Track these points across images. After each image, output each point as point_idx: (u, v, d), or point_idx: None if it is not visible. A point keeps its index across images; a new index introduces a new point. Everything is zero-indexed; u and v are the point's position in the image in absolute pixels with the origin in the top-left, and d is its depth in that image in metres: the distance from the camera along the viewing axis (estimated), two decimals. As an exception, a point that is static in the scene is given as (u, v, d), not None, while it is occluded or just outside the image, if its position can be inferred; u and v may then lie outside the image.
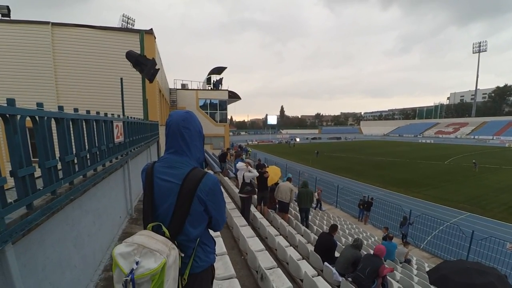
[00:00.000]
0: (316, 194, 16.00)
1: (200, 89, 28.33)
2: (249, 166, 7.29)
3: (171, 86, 26.03)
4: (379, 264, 4.72)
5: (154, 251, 1.14)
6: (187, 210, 1.35)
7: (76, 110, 2.55)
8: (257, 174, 7.63)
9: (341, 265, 5.28)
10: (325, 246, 5.87)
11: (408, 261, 9.24)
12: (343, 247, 6.31)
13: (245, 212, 6.98)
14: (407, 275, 7.41)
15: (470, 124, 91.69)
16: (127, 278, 1.07)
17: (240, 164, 7.30)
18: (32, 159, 1.75)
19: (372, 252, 5.50)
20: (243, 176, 6.89)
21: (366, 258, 4.94)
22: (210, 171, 12.28)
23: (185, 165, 1.43)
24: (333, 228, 6.35)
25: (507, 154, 46.73)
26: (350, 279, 4.85)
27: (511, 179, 26.30)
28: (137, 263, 1.10)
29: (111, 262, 1.17)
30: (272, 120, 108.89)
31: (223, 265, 3.47)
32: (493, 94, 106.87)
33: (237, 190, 8.03)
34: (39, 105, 1.91)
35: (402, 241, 12.93)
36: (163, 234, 1.31)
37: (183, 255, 1.36)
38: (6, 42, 10.93)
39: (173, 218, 1.35)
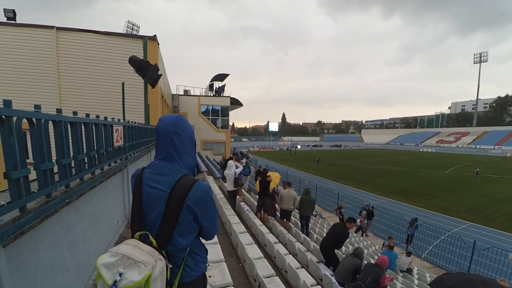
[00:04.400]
0: (358, 221, 14.92)
1: (202, 95, 28.47)
2: (236, 162, 8.66)
3: (173, 91, 26.17)
4: (380, 274, 4.65)
5: (139, 263, 1.10)
6: (176, 219, 1.29)
7: (75, 113, 2.54)
8: (242, 168, 8.99)
9: (340, 274, 5.20)
10: (336, 235, 5.96)
11: (409, 271, 9.12)
12: (343, 255, 6.24)
13: (231, 202, 8.24)
14: (408, 285, 7.31)
15: (472, 133, 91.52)
16: None
17: (231, 162, 8.39)
18: (29, 161, 1.73)
19: (373, 261, 5.42)
20: (235, 172, 8.05)
21: (368, 268, 4.87)
22: (210, 177, 12.26)
23: (175, 172, 1.37)
24: (350, 220, 6.34)
25: (509, 164, 46.51)
26: None
27: (512, 189, 26.11)
28: (120, 274, 1.06)
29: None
30: (274, 127, 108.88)
31: (219, 273, 3.42)
32: (494, 104, 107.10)
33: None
34: (36, 107, 1.90)
35: (406, 243, 13.06)
36: (150, 243, 1.26)
37: (171, 266, 1.31)
38: (11, 45, 11.07)
39: (161, 227, 1.30)
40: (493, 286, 2.77)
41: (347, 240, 10.42)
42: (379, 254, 8.30)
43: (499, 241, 14.14)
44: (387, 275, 4.84)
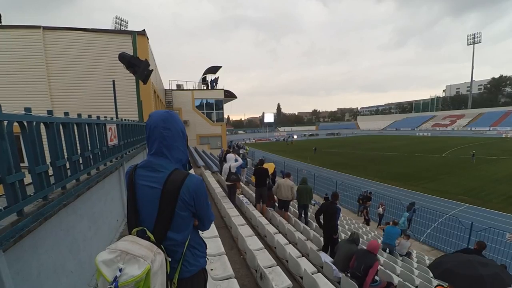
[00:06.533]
0: (380, 209, 15.04)
1: (195, 89, 28.25)
2: (236, 156, 8.34)
3: (166, 87, 25.95)
4: (373, 261, 4.61)
5: (138, 257, 1.11)
6: (171, 215, 1.31)
7: (66, 114, 2.52)
8: (242, 162, 8.68)
9: (341, 262, 5.25)
10: (329, 213, 6.11)
11: (408, 255, 9.27)
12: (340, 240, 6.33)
13: (231, 197, 8.02)
14: (407, 269, 7.43)
15: (467, 116, 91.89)
16: (111, 286, 1.04)
17: (230, 155, 8.14)
18: (24, 165, 1.73)
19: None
20: (230, 167, 7.69)
21: (360, 255, 4.82)
22: (208, 171, 12.26)
23: (165, 168, 1.38)
24: (334, 196, 6.66)
25: (504, 144, 46.99)
26: (349, 274, 4.82)
27: (508, 169, 26.45)
28: (120, 270, 1.07)
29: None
30: (269, 118, 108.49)
31: (221, 265, 3.45)
32: (488, 85, 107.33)
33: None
34: (27, 110, 1.88)
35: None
36: (148, 238, 1.27)
37: (170, 259, 1.32)
38: (-2, 47, 10.84)
39: (157, 223, 1.32)
40: (491, 267, 2.82)
41: (346, 228, 10.58)
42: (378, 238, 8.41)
43: (496, 221, 14.37)
44: (380, 262, 4.82)
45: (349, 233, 9.27)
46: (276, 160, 26.66)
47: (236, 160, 7.96)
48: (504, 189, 20.33)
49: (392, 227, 8.83)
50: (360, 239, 5.23)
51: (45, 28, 11.10)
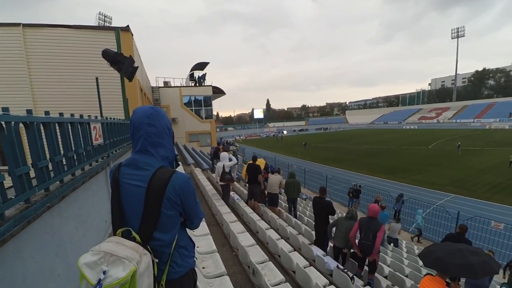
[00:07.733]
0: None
1: (183, 86, 27.92)
2: (230, 154, 7.98)
3: (153, 84, 25.58)
4: (379, 225, 4.74)
5: (123, 259, 1.07)
6: (157, 214, 1.26)
7: (47, 113, 2.43)
8: (236, 162, 8.34)
9: (341, 239, 5.40)
10: (324, 208, 6.20)
11: (395, 242, 9.43)
12: (336, 218, 6.46)
13: (225, 197, 7.75)
14: (397, 259, 7.57)
15: (452, 108, 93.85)
16: None
17: (224, 154, 7.72)
18: (2, 168, 1.66)
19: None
20: (223, 166, 7.28)
21: (365, 224, 4.88)
22: (198, 169, 12.17)
23: (151, 166, 1.32)
24: (322, 190, 6.81)
25: (488, 136, 48.28)
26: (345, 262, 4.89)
27: (493, 160, 27.21)
28: (104, 272, 1.02)
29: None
30: (259, 114, 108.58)
31: (213, 263, 3.43)
32: (472, 78, 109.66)
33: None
34: (5, 109, 1.80)
35: (393, 219, 13.13)
36: (133, 239, 1.22)
37: (157, 260, 1.28)
38: (-25, 46, 10.44)
39: (142, 223, 1.26)
40: (480, 255, 2.90)
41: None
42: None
43: (482, 210, 14.77)
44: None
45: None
46: (267, 156, 26.72)
47: (230, 159, 7.55)
48: (488, 179, 20.92)
49: (380, 212, 8.98)
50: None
51: (25, 25, 10.75)
